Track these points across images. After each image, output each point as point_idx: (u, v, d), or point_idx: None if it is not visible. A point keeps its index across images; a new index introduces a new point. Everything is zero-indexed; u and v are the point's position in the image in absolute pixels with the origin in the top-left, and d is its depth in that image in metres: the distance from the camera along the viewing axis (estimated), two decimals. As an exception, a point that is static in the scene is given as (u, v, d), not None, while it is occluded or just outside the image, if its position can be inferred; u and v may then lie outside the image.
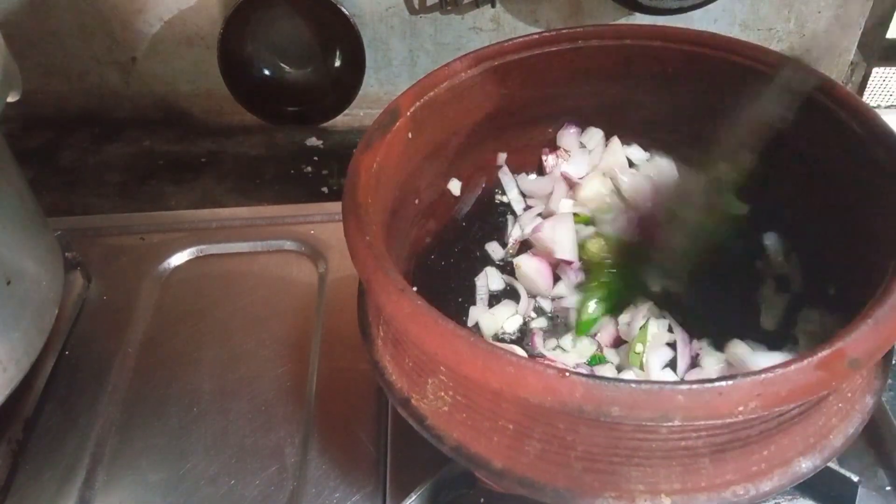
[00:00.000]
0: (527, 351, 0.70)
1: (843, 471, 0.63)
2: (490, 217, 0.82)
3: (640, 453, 0.48)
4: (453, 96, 0.71)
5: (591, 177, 0.79)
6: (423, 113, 0.68)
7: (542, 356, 0.69)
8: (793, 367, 0.44)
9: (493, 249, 0.80)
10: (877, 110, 0.63)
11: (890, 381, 0.67)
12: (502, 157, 0.82)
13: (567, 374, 0.44)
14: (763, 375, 0.44)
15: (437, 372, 0.53)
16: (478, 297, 0.76)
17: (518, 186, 0.83)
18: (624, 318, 0.70)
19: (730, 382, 0.43)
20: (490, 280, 0.77)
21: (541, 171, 0.83)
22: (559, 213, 0.78)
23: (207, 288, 0.89)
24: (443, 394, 0.53)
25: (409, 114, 0.66)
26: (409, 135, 0.67)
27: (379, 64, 1.14)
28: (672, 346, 0.67)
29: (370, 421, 0.74)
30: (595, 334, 0.70)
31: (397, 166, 0.66)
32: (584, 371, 0.66)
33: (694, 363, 0.67)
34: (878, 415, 0.71)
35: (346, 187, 0.59)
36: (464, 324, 0.72)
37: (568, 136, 0.81)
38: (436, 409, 0.54)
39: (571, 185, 0.81)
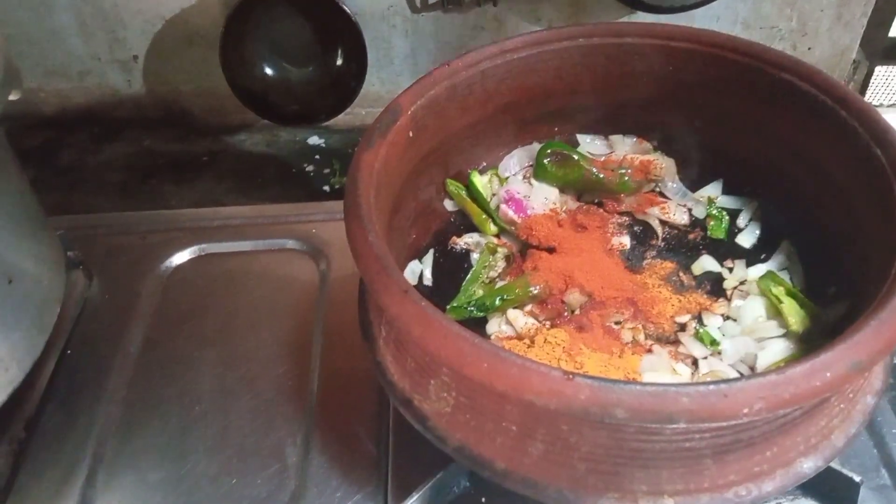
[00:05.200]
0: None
1: (845, 471, 0.63)
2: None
3: (643, 454, 0.48)
4: (454, 95, 0.71)
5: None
6: (423, 112, 0.68)
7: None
8: (797, 369, 0.44)
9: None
10: (879, 109, 0.63)
11: (891, 380, 0.67)
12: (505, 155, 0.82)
13: (572, 376, 0.44)
14: (768, 378, 0.44)
15: (439, 373, 0.53)
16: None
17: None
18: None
19: (734, 385, 0.43)
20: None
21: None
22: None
23: (208, 287, 0.89)
24: (445, 395, 0.53)
25: (409, 113, 0.66)
26: (410, 133, 0.67)
27: (381, 63, 1.14)
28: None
29: (371, 420, 0.74)
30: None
31: (399, 165, 0.66)
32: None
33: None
34: (879, 415, 0.71)
35: (348, 187, 0.59)
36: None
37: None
38: (438, 410, 0.54)
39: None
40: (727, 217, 0.77)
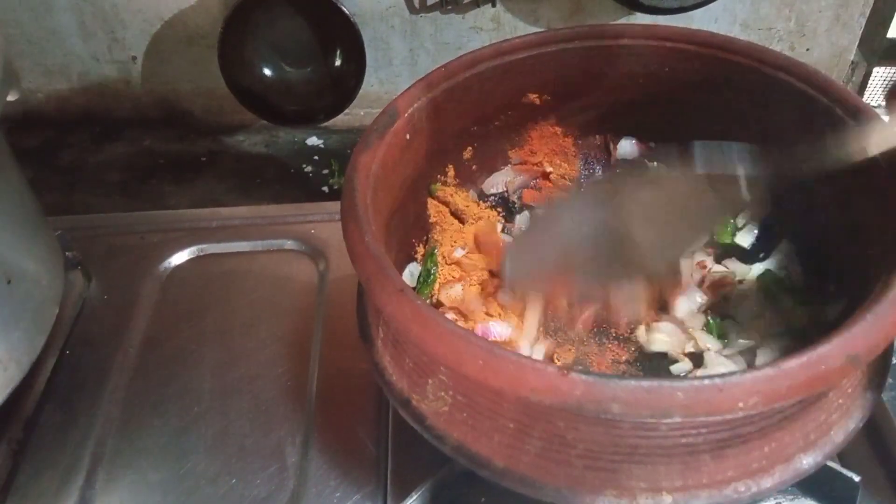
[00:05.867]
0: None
1: (844, 470, 0.63)
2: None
3: (640, 451, 0.48)
4: (451, 97, 0.71)
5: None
6: (421, 114, 0.68)
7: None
8: (793, 362, 0.44)
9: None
10: (877, 110, 0.63)
11: (890, 379, 0.67)
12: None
13: (567, 371, 0.44)
14: (763, 371, 0.44)
15: (436, 372, 0.53)
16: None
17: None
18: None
19: (729, 379, 0.43)
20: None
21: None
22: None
23: (207, 287, 0.89)
24: (443, 394, 0.53)
25: (407, 115, 0.66)
26: (408, 136, 0.67)
27: (379, 63, 1.14)
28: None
29: (371, 420, 0.74)
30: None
31: (396, 167, 0.66)
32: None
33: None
34: (878, 414, 0.71)
35: (345, 188, 0.59)
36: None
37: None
38: (436, 409, 0.54)
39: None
40: (732, 221, 0.77)
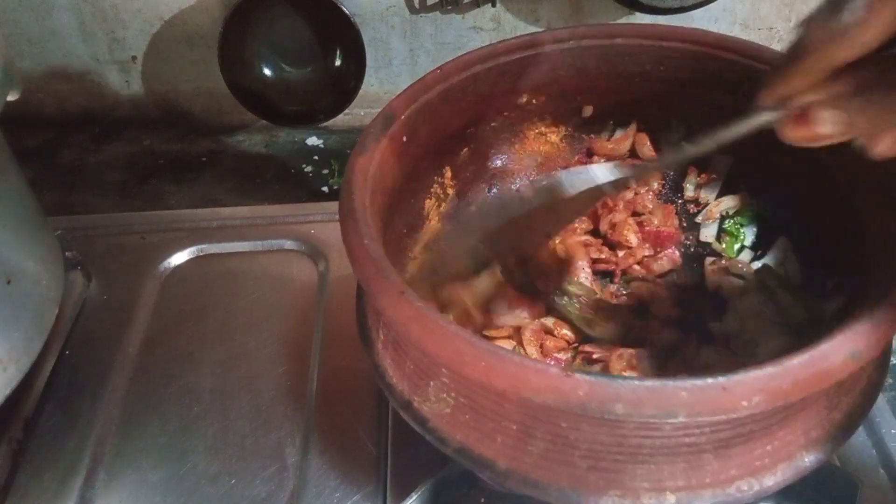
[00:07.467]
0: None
1: (844, 470, 0.63)
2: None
3: (643, 451, 0.48)
4: (447, 98, 0.71)
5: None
6: (417, 116, 0.68)
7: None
8: (795, 360, 0.44)
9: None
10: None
11: (890, 379, 0.67)
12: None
13: (570, 372, 0.44)
14: (766, 370, 0.43)
15: (438, 374, 0.53)
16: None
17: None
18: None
19: (733, 378, 0.43)
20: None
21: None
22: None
23: (207, 287, 0.89)
24: (445, 396, 0.53)
25: (403, 118, 0.66)
26: (404, 138, 0.67)
27: (379, 63, 1.15)
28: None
29: (371, 420, 0.74)
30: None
31: (393, 169, 0.66)
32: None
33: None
34: (878, 414, 0.71)
35: (343, 191, 0.59)
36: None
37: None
38: (438, 411, 0.54)
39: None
40: (744, 233, 0.77)
